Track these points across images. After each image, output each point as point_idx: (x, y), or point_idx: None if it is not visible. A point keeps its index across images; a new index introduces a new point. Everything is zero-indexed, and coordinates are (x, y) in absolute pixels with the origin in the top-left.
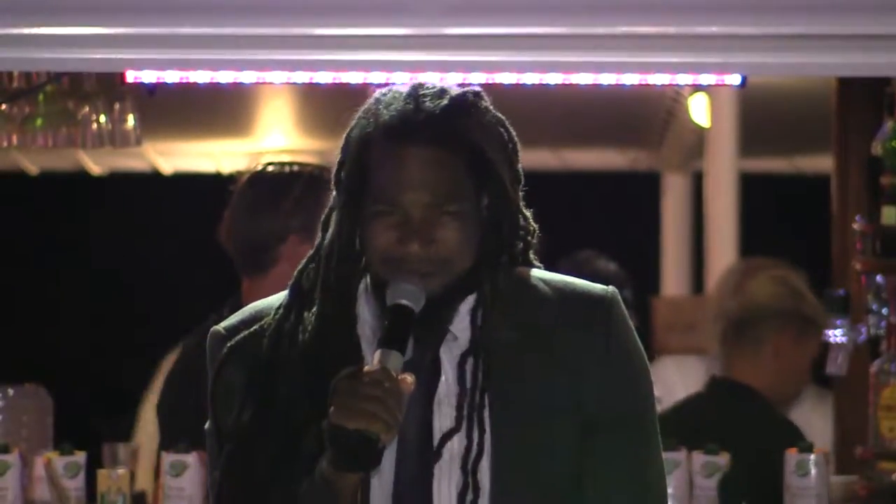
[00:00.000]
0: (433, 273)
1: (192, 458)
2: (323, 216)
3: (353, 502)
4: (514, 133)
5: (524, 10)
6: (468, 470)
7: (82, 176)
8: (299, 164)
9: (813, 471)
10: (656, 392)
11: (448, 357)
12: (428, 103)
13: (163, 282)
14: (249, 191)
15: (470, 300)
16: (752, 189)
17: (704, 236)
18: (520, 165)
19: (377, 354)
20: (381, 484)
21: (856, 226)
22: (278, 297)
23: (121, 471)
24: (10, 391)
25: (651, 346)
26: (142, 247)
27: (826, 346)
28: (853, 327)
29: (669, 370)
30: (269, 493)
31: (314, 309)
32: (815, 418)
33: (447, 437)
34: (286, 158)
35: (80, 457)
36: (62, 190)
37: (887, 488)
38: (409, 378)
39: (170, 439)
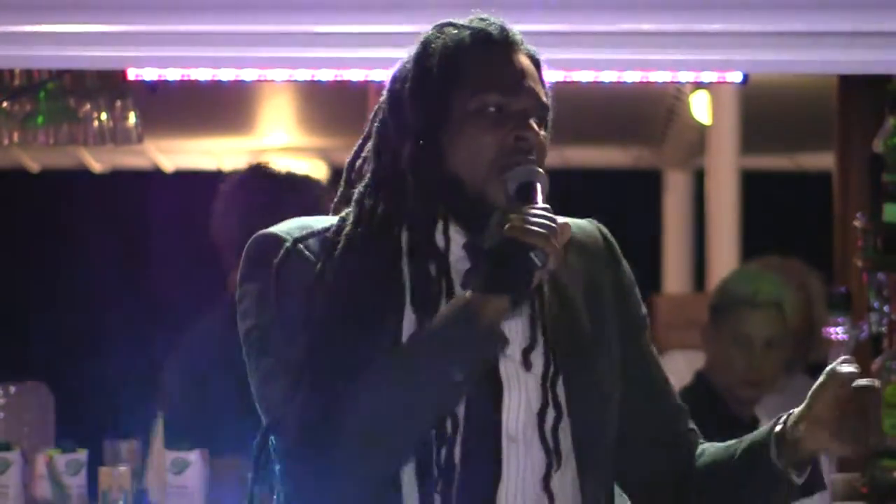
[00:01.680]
0: (538, 166)
1: (194, 456)
2: (371, 142)
3: (489, 340)
4: None
5: (525, 7)
6: (547, 387)
7: (84, 173)
8: (289, 167)
9: None
10: None
11: None
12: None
13: (164, 279)
14: (242, 191)
15: None
16: (754, 186)
17: (706, 233)
18: None
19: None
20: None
21: (857, 223)
22: (317, 219)
23: (122, 468)
24: (12, 389)
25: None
26: (143, 244)
27: (827, 344)
28: (855, 325)
29: (679, 364)
30: (358, 367)
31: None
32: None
33: (528, 350)
34: (286, 157)
35: (82, 454)
36: (64, 187)
37: (889, 486)
38: (568, 224)
39: (173, 437)
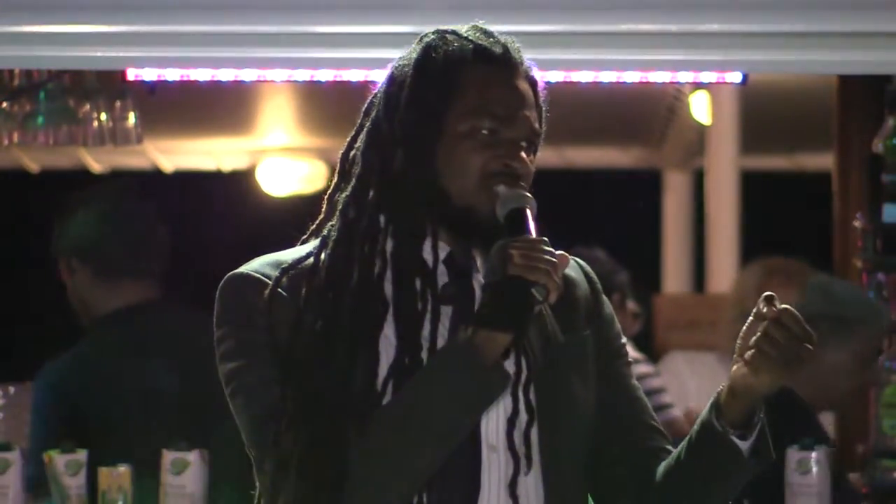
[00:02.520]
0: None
1: (193, 456)
2: (362, 138)
3: (493, 377)
4: None
5: (525, 7)
6: (517, 395)
7: (83, 173)
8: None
9: (814, 468)
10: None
11: (477, 282)
12: (504, 36)
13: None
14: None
15: None
16: (753, 186)
17: (705, 234)
18: None
19: (532, 233)
20: None
21: (857, 223)
22: (287, 252)
23: (122, 468)
24: (12, 389)
25: (653, 344)
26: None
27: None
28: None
29: (680, 364)
30: (344, 394)
31: (367, 242)
32: None
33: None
34: (285, 157)
35: (82, 454)
36: (63, 187)
37: (889, 486)
38: (566, 254)
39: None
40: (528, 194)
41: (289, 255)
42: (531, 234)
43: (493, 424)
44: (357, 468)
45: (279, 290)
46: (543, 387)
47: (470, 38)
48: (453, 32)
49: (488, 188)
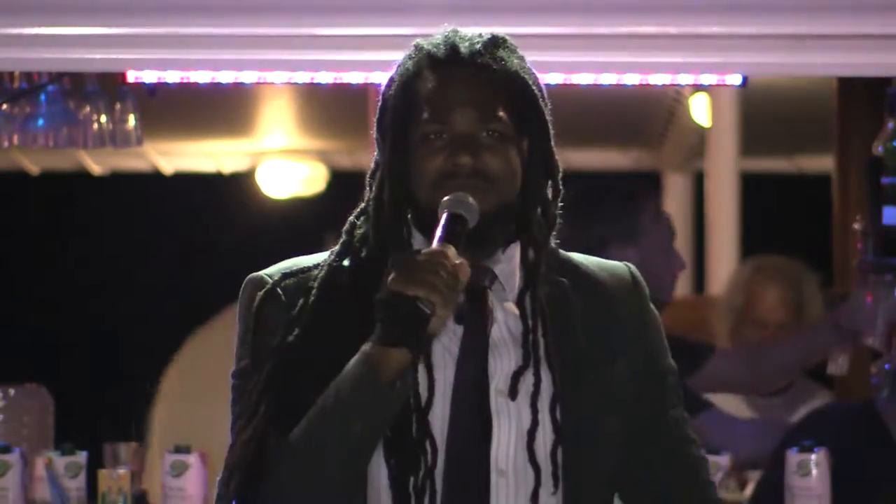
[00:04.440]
0: (483, 188)
1: (192, 459)
2: (370, 170)
3: (391, 394)
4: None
5: (525, 10)
6: (538, 408)
7: (83, 176)
8: None
9: (814, 471)
10: None
11: (498, 300)
12: (471, 35)
13: (164, 281)
14: None
15: (514, 250)
16: (753, 189)
17: (705, 236)
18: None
19: (434, 243)
20: (438, 430)
21: (856, 226)
22: (311, 257)
23: (122, 471)
24: (11, 391)
25: None
26: (142, 246)
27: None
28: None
29: None
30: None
31: (365, 251)
32: None
33: (518, 374)
34: (286, 160)
35: (81, 457)
36: (63, 190)
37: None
38: (466, 263)
39: None
40: (464, 197)
41: (307, 260)
42: (452, 239)
43: (503, 449)
44: (277, 466)
45: (278, 292)
46: (567, 407)
47: (427, 46)
48: (417, 44)
49: (439, 192)
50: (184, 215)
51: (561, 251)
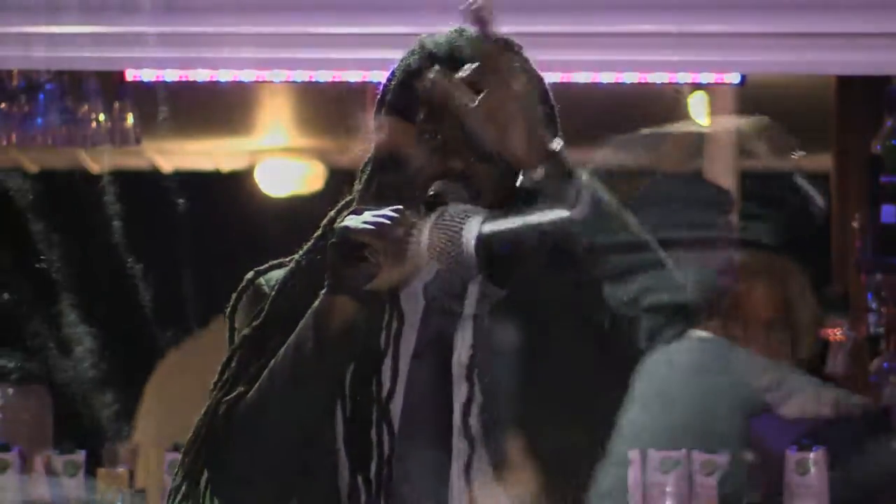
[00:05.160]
0: (473, 197)
1: None
2: (362, 164)
3: (341, 341)
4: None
5: (524, 8)
6: (473, 378)
7: (82, 174)
8: None
9: (813, 469)
10: None
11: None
12: (475, 37)
13: (162, 280)
14: None
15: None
16: (752, 187)
17: None
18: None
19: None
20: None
21: (855, 224)
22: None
23: (120, 469)
24: (10, 390)
25: None
26: (141, 245)
27: (826, 345)
28: (852, 326)
29: None
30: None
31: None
32: None
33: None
34: (284, 158)
35: (80, 455)
36: (61, 188)
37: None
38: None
39: None
40: (455, 186)
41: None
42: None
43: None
44: (222, 433)
45: (261, 284)
46: (502, 378)
47: (431, 43)
48: (424, 40)
49: (427, 193)
50: (182, 213)
51: None
